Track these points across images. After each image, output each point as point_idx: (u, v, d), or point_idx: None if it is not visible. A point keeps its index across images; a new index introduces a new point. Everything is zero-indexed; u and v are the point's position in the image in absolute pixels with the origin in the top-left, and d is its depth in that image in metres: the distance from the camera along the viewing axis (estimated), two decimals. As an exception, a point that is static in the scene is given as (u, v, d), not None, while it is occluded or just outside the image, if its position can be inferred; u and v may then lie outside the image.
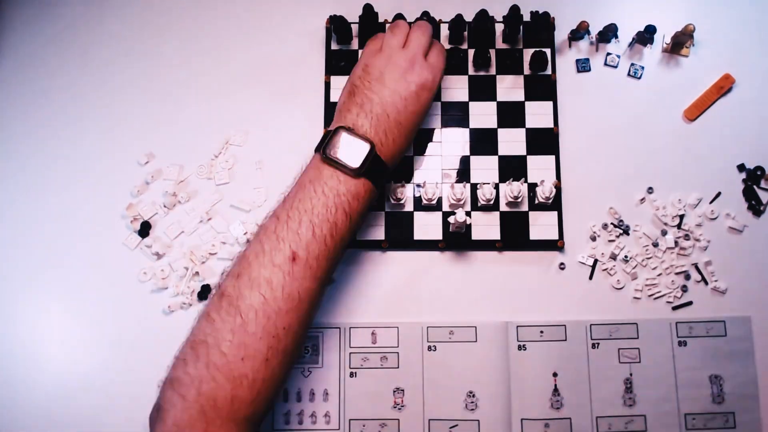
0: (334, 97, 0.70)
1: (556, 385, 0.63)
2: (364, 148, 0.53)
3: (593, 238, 0.67)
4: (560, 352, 0.63)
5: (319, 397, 0.63)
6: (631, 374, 0.63)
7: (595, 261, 0.66)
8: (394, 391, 0.63)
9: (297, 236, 0.51)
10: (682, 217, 0.67)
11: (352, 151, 0.53)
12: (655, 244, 0.66)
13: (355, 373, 0.63)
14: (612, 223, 0.67)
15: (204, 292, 0.66)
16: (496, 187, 0.67)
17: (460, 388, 0.63)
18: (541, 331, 0.64)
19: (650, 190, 0.67)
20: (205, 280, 0.66)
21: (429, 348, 0.64)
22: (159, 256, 0.66)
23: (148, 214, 0.68)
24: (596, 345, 0.64)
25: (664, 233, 0.67)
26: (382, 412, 0.63)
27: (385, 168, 0.55)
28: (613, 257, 0.66)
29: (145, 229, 0.67)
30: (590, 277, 0.66)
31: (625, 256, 0.66)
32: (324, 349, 0.64)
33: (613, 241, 0.66)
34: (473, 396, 0.63)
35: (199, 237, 0.67)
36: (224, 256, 0.67)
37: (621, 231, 0.66)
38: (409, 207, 0.67)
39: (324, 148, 0.54)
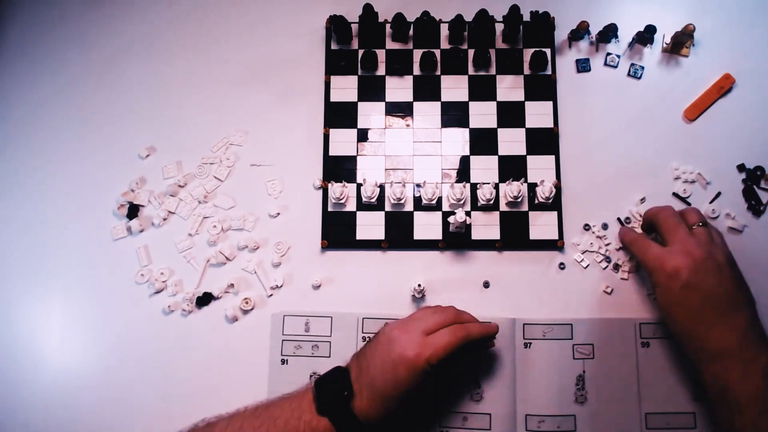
0: (334, 96, 0.70)
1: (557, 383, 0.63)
2: (337, 391, 0.55)
3: (586, 227, 0.67)
4: (566, 350, 0.63)
5: None
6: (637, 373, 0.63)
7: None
8: None
9: None
10: (682, 217, 0.67)
11: (330, 389, 0.55)
12: (655, 244, 0.66)
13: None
14: (618, 219, 0.67)
15: (207, 299, 0.65)
16: (496, 187, 0.67)
17: (469, 383, 0.63)
18: (544, 333, 0.64)
19: (643, 199, 0.67)
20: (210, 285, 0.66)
21: None
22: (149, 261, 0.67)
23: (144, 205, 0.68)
24: (603, 343, 0.64)
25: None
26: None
27: (355, 421, 0.54)
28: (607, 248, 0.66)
29: (133, 212, 0.67)
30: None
31: (620, 247, 0.66)
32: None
33: (610, 243, 0.66)
34: (480, 387, 0.63)
35: (200, 237, 0.67)
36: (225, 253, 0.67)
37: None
38: (409, 207, 0.67)
39: (320, 376, 0.57)
